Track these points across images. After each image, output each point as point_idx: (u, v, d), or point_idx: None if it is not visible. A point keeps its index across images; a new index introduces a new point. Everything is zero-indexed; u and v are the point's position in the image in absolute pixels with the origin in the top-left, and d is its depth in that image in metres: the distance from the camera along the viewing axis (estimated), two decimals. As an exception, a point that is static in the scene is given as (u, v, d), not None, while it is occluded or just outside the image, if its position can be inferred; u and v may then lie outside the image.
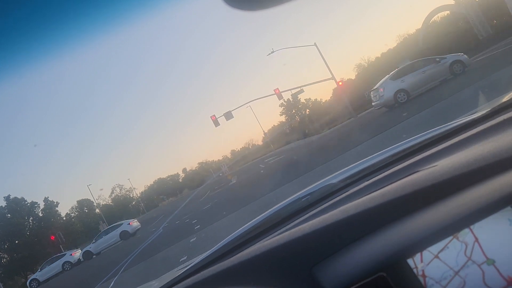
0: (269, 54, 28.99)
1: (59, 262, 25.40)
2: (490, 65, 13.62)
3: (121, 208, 62.26)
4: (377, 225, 0.85)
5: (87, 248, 25.75)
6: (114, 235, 25.43)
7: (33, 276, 26.37)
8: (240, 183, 25.32)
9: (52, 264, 25.59)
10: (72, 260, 25.34)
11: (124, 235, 25.13)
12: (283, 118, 53.06)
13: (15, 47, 1.38)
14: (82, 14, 1.51)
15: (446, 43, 24.56)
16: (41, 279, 25.17)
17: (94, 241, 25.93)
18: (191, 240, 10.51)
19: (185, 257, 7.70)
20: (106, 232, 26.30)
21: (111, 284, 9.56)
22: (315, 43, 27.15)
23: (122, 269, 11.31)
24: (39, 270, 26.34)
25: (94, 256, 24.95)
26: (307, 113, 47.69)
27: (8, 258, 38.57)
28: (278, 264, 0.89)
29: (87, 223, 49.68)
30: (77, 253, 26.46)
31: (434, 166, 0.96)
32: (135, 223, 26.46)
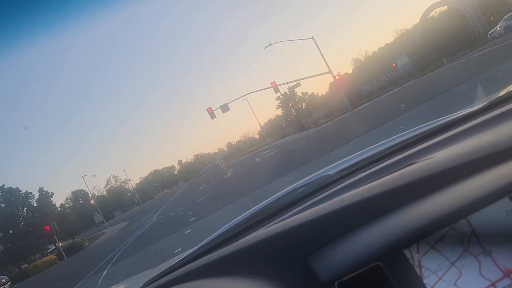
0: (266, 47, 28.96)
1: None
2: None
3: (116, 199, 62.10)
4: (373, 215, 0.85)
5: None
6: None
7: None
8: (235, 176, 25.33)
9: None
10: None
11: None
12: (279, 112, 52.87)
13: (10, 25, 1.35)
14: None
15: (443, 38, 24.58)
16: None
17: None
18: (185, 232, 10.53)
19: (179, 249, 7.72)
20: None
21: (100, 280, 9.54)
22: (312, 36, 27.08)
23: (111, 263, 11.27)
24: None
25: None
26: (304, 106, 47.62)
27: (2, 248, 38.43)
28: (273, 254, 0.88)
29: (82, 214, 49.48)
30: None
31: (432, 157, 0.95)
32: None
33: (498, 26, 23.67)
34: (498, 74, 9.69)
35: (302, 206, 1.11)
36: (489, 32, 24.65)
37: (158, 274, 1.13)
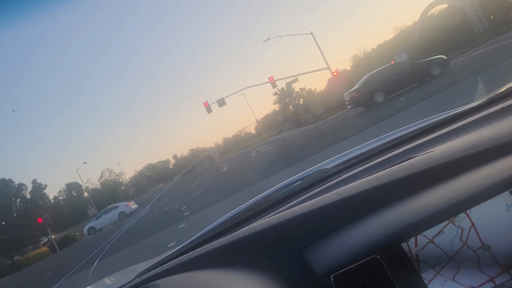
0: (265, 41, 28.85)
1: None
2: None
3: (110, 192, 61.87)
4: (371, 208, 0.83)
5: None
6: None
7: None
8: (231, 171, 25.32)
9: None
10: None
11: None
12: (276, 107, 52.76)
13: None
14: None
15: (443, 36, 24.62)
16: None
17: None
18: (180, 226, 10.51)
19: (173, 243, 7.69)
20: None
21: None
22: (311, 32, 26.98)
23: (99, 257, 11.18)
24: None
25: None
26: (301, 102, 47.58)
27: (-7, 239, 38.21)
28: (267, 246, 0.86)
29: (75, 207, 49.32)
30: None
31: (431, 151, 0.94)
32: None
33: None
34: (498, 73, 9.68)
35: (298, 199, 1.09)
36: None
37: (150, 266, 1.11)
